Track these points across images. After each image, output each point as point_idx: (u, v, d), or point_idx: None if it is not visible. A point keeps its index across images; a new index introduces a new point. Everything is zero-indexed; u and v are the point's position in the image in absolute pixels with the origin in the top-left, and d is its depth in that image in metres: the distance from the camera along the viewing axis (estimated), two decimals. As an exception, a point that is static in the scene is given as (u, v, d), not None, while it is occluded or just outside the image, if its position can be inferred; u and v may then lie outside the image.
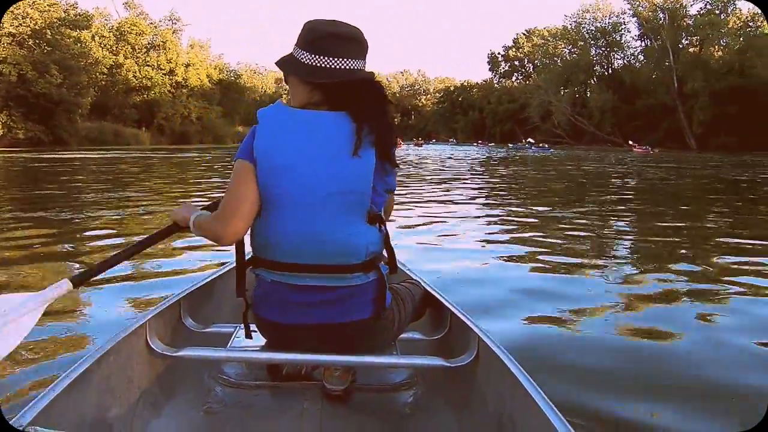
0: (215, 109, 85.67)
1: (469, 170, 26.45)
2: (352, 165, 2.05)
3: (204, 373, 2.65)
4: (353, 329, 2.22)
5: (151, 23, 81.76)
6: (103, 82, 69.83)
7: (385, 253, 2.28)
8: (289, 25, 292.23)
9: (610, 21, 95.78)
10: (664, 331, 4.13)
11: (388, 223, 2.32)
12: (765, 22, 77.35)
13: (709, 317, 4.45)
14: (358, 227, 2.12)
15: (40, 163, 26.77)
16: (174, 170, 23.65)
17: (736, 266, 6.34)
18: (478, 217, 10.20)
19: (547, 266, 6.21)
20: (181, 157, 36.47)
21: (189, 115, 79.31)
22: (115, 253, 2.43)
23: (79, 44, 61.82)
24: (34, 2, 57.32)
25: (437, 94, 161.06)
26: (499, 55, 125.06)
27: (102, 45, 71.52)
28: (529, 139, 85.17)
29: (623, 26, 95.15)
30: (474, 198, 13.92)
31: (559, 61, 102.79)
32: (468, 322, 2.41)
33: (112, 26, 78.25)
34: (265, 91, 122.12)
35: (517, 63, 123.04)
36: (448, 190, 15.37)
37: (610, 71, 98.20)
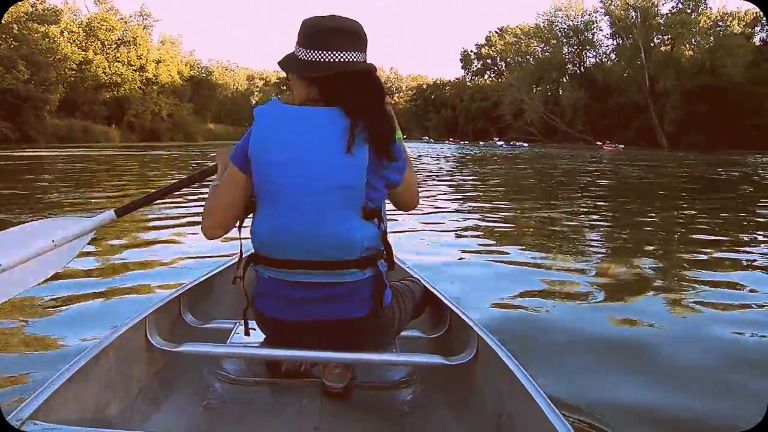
0: (186, 106, 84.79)
1: (442, 168, 26.55)
2: (345, 161, 2.03)
3: (203, 368, 2.67)
4: (351, 327, 2.22)
5: (122, 19, 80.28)
6: (72, 79, 68.48)
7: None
8: (260, 22, 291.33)
9: (583, 19, 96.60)
10: (657, 326, 4.20)
11: (389, 220, 2.33)
12: (734, 22, 78.59)
13: (706, 312, 4.55)
14: (353, 223, 2.10)
15: (5, 161, 26.05)
16: (143, 169, 23.22)
17: (721, 261, 6.56)
18: (453, 212, 10.36)
19: (528, 261, 6.36)
20: (152, 155, 35.92)
21: (159, 112, 78.28)
22: (156, 189, 2.69)
23: (47, 39, 60.58)
24: (0, -4, 56.14)
25: (410, 92, 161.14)
26: (472, 53, 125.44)
27: (71, 40, 70.18)
28: (495, 138, 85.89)
29: (595, 24, 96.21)
30: (447, 194, 14.12)
31: (531, 59, 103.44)
32: (468, 321, 2.42)
33: (82, 21, 76.84)
34: (237, 88, 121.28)
35: (489, 61, 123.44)
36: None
37: (582, 69, 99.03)
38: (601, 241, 8.24)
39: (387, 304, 2.27)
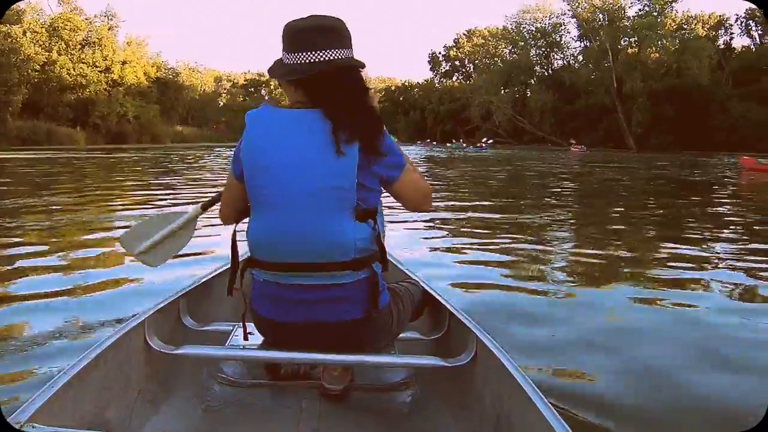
0: (153, 107, 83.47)
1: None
2: (334, 161, 2.03)
3: (202, 371, 2.67)
4: (347, 328, 2.22)
5: (86, 19, 78.82)
6: (36, 80, 67.14)
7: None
8: (227, 24, 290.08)
9: (550, 22, 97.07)
10: (657, 325, 4.24)
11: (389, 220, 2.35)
12: (698, 25, 79.67)
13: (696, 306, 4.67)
14: (345, 225, 2.10)
15: (-36, 165, 25.40)
16: (108, 172, 22.60)
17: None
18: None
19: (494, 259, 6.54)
20: (117, 158, 35.38)
21: (126, 114, 76.85)
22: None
23: (9, 39, 59.50)
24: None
25: (378, 94, 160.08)
26: (440, 55, 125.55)
27: (34, 41, 68.70)
28: (461, 140, 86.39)
29: (563, 27, 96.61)
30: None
31: (499, 61, 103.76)
32: (466, 323, 2.42)
33: (45, 21, 75.26)
34: (204, 89, 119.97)
35: (457, 63, 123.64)
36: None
37: (550, 72, 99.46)
38: (554, 228, 8.70)
39: (384, 306, 2.27)
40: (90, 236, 7.72)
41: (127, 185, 17.00)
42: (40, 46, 69.84)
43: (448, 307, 2.64)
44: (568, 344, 3.81)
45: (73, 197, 12.80)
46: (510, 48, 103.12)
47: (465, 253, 6.90)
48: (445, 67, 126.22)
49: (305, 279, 2.15)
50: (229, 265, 2.88)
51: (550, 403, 1.77)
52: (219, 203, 2.50)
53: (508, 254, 6.88)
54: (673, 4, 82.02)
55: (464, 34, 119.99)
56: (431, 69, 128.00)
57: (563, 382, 3.21)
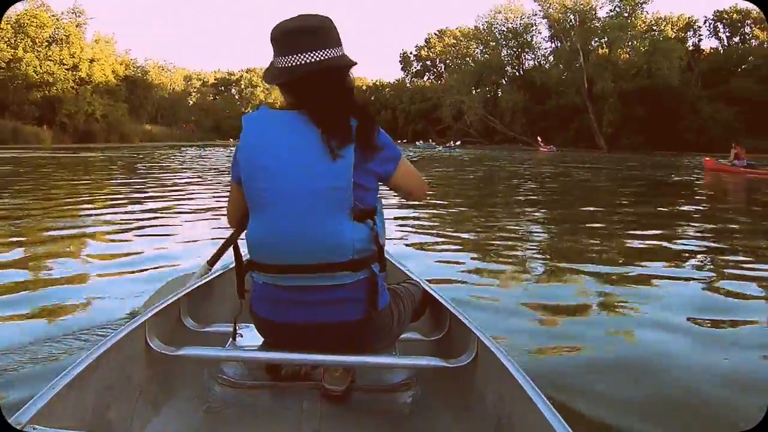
0: (121, 106, 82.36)
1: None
2: (329, 162, 2.04)
3: (203, 372, 2.67)
4: (347, 329, 2.22)
5: (53, 16, 77.33)
6: (1, 77, 66.34)
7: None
8: (197, 23, 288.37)
9: (522, 22, 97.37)
10: (656, 325, 4.21)
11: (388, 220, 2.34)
12: (668, 27, 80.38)
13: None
14: (342, 225, 2.10)
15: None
16: (75, 173, 21.97)
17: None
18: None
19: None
20: (84, 157, 34.68)
21: (93, 112, 75.70)
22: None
23: (-27, 37, 58.65)
24: None
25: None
26: (411, 55, 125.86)
27: (-1, 38, 68.03)
28: (421, 140, 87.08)
29: (534, 27, 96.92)
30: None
31: (471, 61, 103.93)
32: (467, 323, 2.42)
33: (10, 17, 73.91)
34: (173, 88, 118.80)
35: (429, 63, 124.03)
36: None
37: (521, 72, 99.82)
38: (520, 236, 8.65)
39: (384, 307, 2.28)
40: (53, 241, 7.48)
41: (94, 186, 16.68)
42: (5, 42, 68.73)
43: (449, 307, 2.64)
44: (569, 343, 3.82)
45: (36, 200, 12.36)
46: (481, 48, 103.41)
47: (443, 248, 7.09)
48: (416, 66, 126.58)
49: (304, 280, 2.15)
50: (229, 266, 2.93)
51: (551, 404, 1.77)
52: (223, 255, 2.55)
53: (483, 251, 7.01)
54: (644, 6, 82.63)
55: (435, 34, 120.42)
56: (402, 69, 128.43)
57: (563, 382, 3.20)
